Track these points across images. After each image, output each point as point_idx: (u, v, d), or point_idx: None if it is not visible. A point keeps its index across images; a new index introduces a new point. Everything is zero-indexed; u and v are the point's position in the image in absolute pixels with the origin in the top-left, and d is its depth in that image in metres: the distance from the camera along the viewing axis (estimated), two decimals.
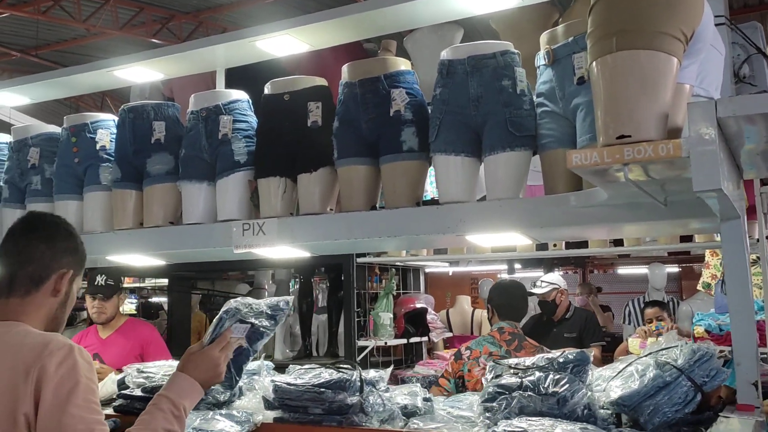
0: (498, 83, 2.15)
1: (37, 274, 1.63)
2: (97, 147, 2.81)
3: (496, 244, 3.32)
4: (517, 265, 6.83)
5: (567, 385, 1.75)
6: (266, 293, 5.25)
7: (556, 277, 5.00)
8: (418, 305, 4.47)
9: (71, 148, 2.83)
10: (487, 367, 2.00)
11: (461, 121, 2.18)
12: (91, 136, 2.82)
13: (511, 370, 1.90)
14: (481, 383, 3.23)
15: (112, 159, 2.78)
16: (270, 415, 2.05)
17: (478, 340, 3.39)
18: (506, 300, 3.43)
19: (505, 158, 2.15)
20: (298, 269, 4.89)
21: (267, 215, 2.55)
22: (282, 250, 2.67)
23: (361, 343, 4.01)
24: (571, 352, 1.88)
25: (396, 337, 4.22)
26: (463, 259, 4.81)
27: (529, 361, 1.91)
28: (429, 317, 4.53)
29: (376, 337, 4.09)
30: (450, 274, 7.58)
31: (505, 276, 7.55)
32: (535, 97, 2.19)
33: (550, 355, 1.88)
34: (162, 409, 1.62)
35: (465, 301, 5.43)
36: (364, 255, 4.11)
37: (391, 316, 4.13)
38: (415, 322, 4.42)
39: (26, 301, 1.61)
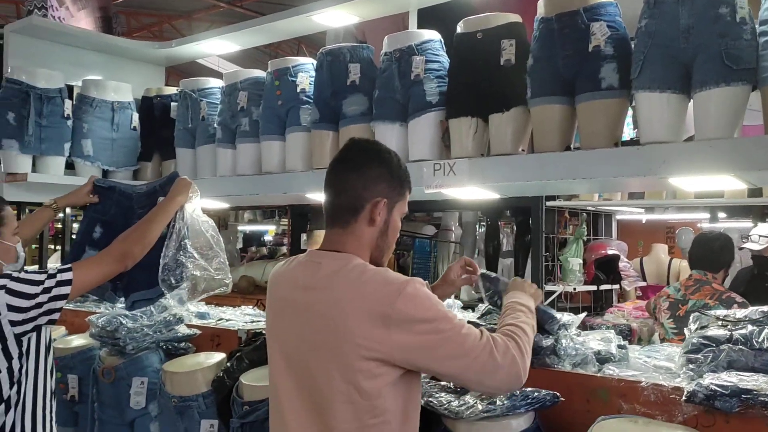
0: (713, 11, 1.95)
1: (351, 204, 1.63)
2: (298, 90, 2.96)
3: (702, 189, 3.08)
4: (722, 214, 6.26)
5: None
6: (452, 235, 5.30)
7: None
8: (610, 252, 4.30)
9: (275, 91, 3.00)
10: (691, 318, 1.88)
11: (669, 54, 2.02)
12: (293, 79, 2.97)
13: (719, 322, 1.77)
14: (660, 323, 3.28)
15: (312, 101, 2.91)
16: None
17: (669, 286, 3.42)
18: (699, 250, 3.47)
19: (718, 94, 1.96)
20: (484, 211, 4.88)
21: (458, 155, 2.55)
22: (472, 191, 2.66)
23: (548, 287, 3.94)
24: None
25: (585, 283, 4.10)
26: (660, 205, 4.51)
27: (740, 313, 1.77)
28: (621, 265, 4.34)
29: (564, 282, 4.00)
30: (643, 221, 7.14)
31: (706, 225, 7.00)
32: (757, 26, 1.97)
33: (765, 309, 1.73)
34: (518, 309, 1.72)
35: (661, 250, 5.13)
36: (553, 198, 4.00)
37: (581, 261, 4.00)
38: (606, 269, 4.26)
39: (347, 231, 1.63)
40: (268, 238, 11.87)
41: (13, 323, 1.90)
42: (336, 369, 1.51)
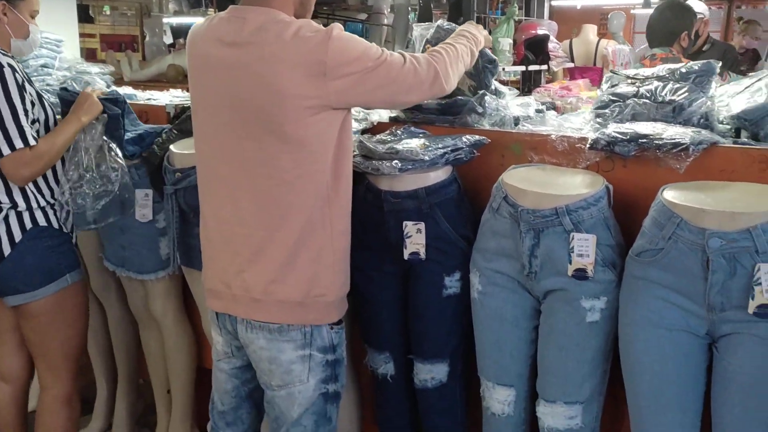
0: None
1: None
2: None
3: None
4: None
5: (686, 94, 1.69)
6: (384, 18, 5.19)
7: (701, 6, 4.53)
8: (540, 32, 4.30)
9: None
10: (604, 78, 1.96)
11: None
12: None
13: (629, 80, 1.85)
14: None
15: None
16: (385, 115, 2.14)
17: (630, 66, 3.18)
18: (655, 23, 3.01)
19: None
20: None
21: None
22: None
23: None
24: (696, 63, 1.79)
25: (514, 64, 4.14)
26: None
27: (648, 71, 1.85)
28: (550, 45, 4.38)
29: None
30: (578, 7, 7.13)
31: (639, 11, 7.03)
32: None
33: (672, 66, 1.81)
34: (461, 34, 1.88)
35: (591, 30, 5.14)
36: None
37: (511, 42, 4.00)
38: (536, 49, 4.29)
39: None
40: None
41: None
42: (270, 122, 1.53)
